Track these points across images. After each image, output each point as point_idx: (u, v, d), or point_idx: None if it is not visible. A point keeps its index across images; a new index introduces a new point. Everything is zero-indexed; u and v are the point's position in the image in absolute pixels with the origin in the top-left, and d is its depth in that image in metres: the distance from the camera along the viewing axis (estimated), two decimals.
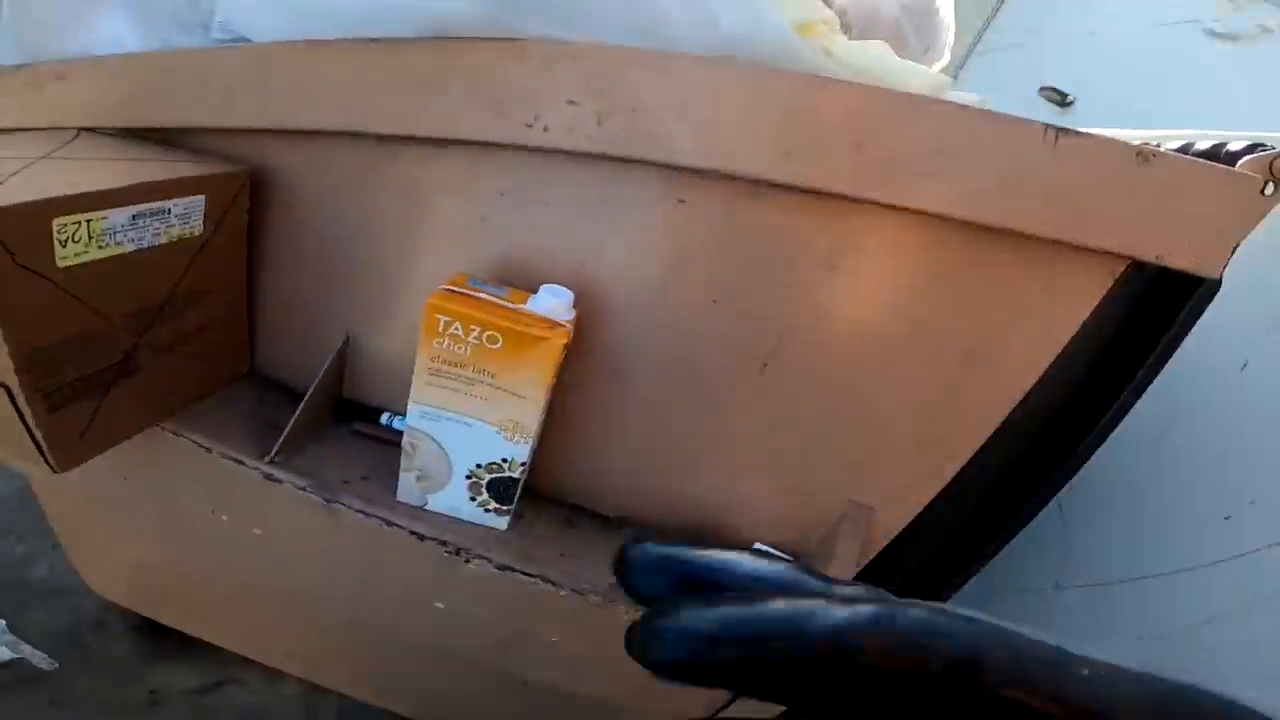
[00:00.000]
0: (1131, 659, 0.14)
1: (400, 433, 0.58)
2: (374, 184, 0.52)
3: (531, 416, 0.47)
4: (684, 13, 0.43)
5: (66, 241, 0.39)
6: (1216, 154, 0.45)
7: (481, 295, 0.45)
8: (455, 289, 0.45)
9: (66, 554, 1.05)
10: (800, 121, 0.42)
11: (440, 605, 0.58)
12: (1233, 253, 0.42)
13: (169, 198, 0.45)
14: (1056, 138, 0.41)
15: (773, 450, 0.54)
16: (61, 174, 0.42)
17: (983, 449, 0.52)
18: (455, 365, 0.45)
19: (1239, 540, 0.61)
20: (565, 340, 0.44)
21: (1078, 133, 0.41)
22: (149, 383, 0.50)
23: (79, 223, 0.39)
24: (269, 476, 0.54)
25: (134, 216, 0.43)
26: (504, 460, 0.50)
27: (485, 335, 0.44)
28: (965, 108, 0.42)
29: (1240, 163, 0.42)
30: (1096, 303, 0.46)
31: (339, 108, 0.48)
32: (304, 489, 0.54)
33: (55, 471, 0.45)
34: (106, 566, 1.02)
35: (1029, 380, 0.49)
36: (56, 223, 0.38)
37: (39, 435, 0.43)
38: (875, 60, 0.46)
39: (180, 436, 0.55)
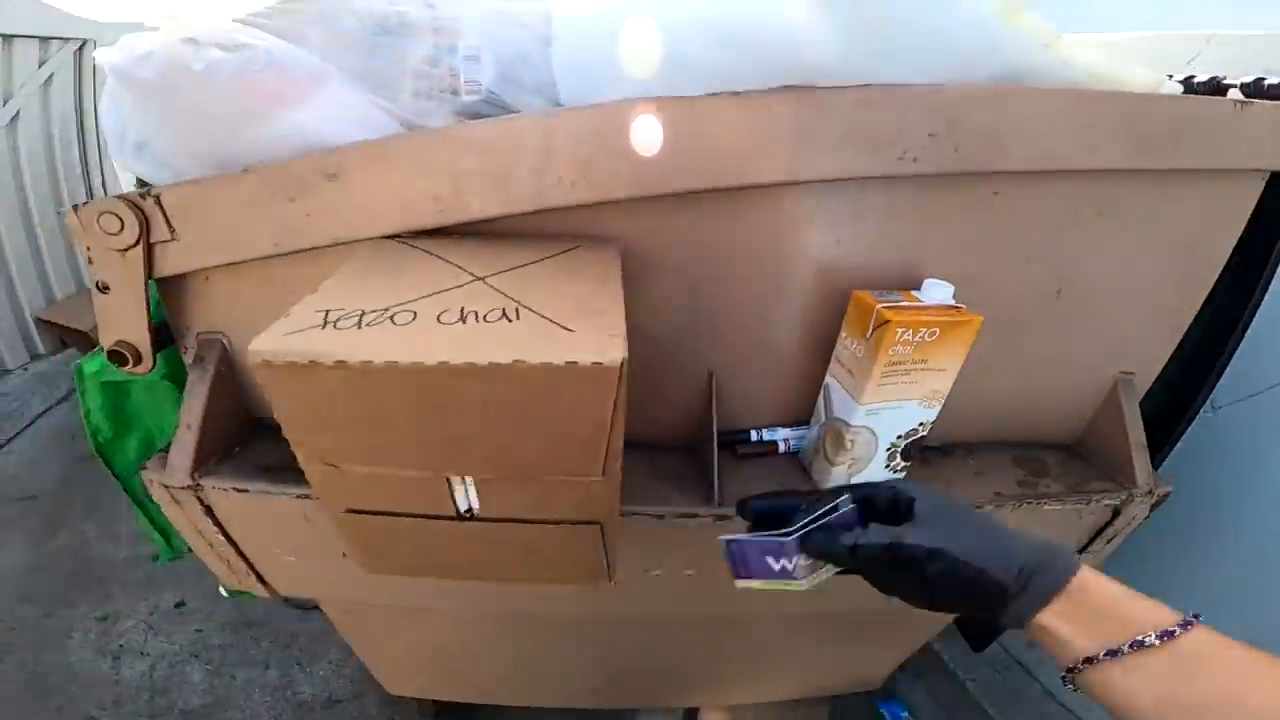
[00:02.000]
0: None
1: (772, 443, 0.72)
2: (720, 233, 0.61)
3: (947, 384, 0.62)
4: (983, 55, 0.57)
5: None
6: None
7: (903, 304, 0.58)
8: (883, 304, 0.58)
9: (361, 662, 1.14)
10: (1098, 120, 0.58)
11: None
12: None
13: None
14: (1241, 107, 0.60)
15: (1068, 348, 0.72)
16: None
17: (1196, 318, 0.72)
18: (902, 363, 0.59)
19: None
20: (980, 319, 0.59)
21: (1250, 102, 0.60)
22: None
23: None
24: (719, 518, 0.66)
25: None
26: (920, 424, 0.64)
27: (926, 333, 0.58)
28: (1188, 97, 0.60)
29: None
30: (1253, 206, 0.66)
31: (717, 168, 0.56)
32: None
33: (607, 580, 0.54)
34: (402, 665, 1.09)
35: (1220, 265, 0.69)
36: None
37: (609, 559, 0.53)
38: (1102, 64, 0.62)
39: (632, 515, 0.65)
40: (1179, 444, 0.80)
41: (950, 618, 0.98)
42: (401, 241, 0.57)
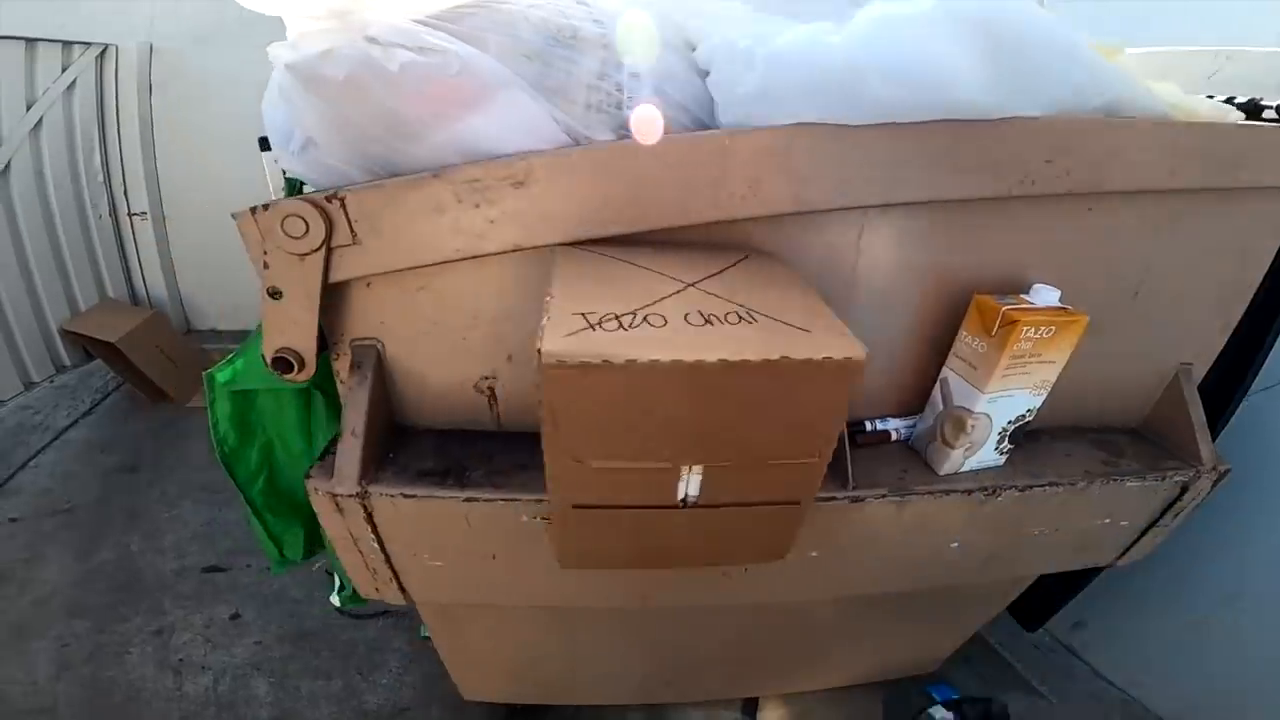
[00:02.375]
0: None
1: (885, 432, 0.79)
2: (848, 247, 0.69)
3: (1054, 375, 0.70)
4: (1091, 89, 0.65)
5: None
6: None
7: (1021, 306, 0.66)
8: (1006, 306, 0.66)
9: (423, 672, 1.18)
10: (1179, 147, 0.68)
11: (955, 544, 0.80)
12: None
13: None
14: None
15: (1140, 343, 0.81)
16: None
17: (1244, 316, 0.82)
18: (1020, 357, 0.67)
19: None
20: (1086, 318, 0.67)
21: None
22: None
23: None
24: (854, 499, 0.72)
25: None
26: (1027, 410, 0.72)
27: (1044, 330, 0.65)
28: (1251, 125, 0.70)
29: None
30: None
31: (871, 189, 0.64)
32: (883, 495, 0.73)
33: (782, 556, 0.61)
34: (485, 669, 1.13)
35: (1265, 267, 0.79)
36: None
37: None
38: (1178, 95, 0.72)
39: None
40: (1229, 425, 0.90)
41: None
42: (586, 249, 0.62)
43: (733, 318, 0.50)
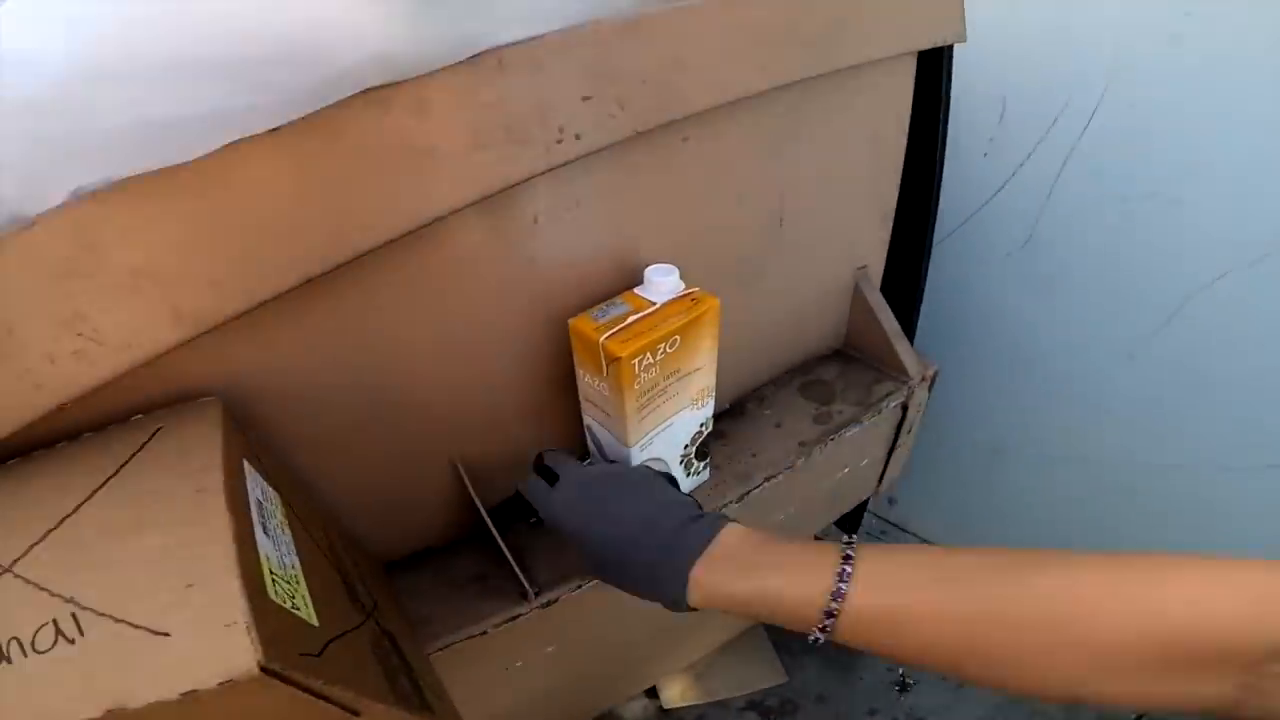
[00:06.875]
0: None
1: None
2: (384, 312, 0.46)
3: (711, 377, 0.54)
4: None
5: None
6: None
7: (630, 319, 0.48)
8: (607, 331, 0.47)
9: None
10: (764, 35, 0.50)
11: None
12: None
13: None
14: None
15: (808, 266, 0.68)
16: None
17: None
18: (650, 389, 0.49)
19: None
20: (716, 300, 0.50)
21: None
22: None
23: None
24: (547, 605, 0.54)
25: None
26: (700, 426, 0.56)
27: (666, 346, 0.48)
28: None
29: None
30: (912, 87, 0.64)
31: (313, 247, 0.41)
32: (578, 587, 0.55)
33: None
34: None
35: (902, 147, 0.68)
36: None
37: None
38: None
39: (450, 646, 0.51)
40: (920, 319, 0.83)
41: None
42: None
43: (46, 637, 0.27)
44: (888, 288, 0.76)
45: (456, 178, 0.41)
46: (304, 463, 0.47)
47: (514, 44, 0.40)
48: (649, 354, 0.46)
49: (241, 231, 0.36)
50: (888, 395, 0.70)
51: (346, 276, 0.40)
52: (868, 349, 0.75)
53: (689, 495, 0.46)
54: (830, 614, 0.34)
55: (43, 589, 0.30)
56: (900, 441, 0.76)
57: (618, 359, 0.45)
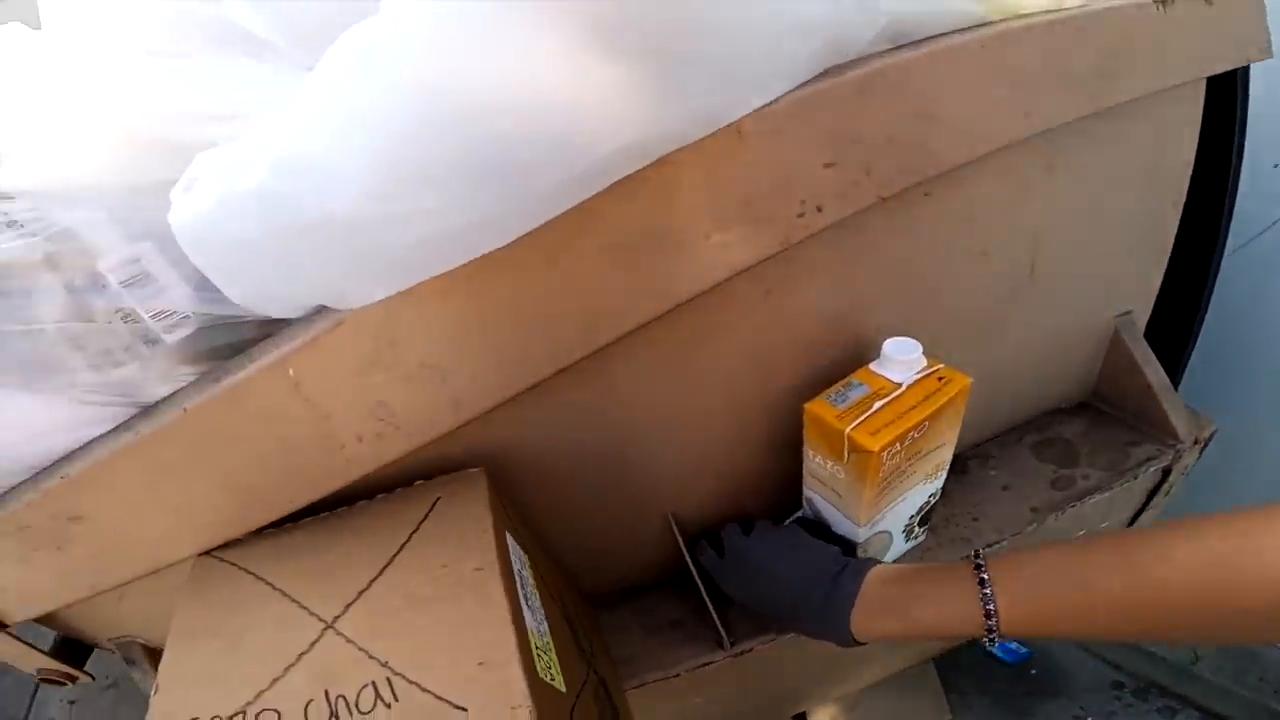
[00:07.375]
0: None
1: None
2: (613, 391, 0.46)
3: (950, 452, 0.50)
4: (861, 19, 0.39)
5: None
6: None
7: (875, 406, 0.44)
8: (853, 421, 0.44)
9: None
10: (1023, 74, 0.43)
11: None
12: None
13: None
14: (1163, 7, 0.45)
15: (1057, 315, 0.60)
16: None
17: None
18: (893, 473, 0.46)
19: None
20: (967, 380, 0.45)
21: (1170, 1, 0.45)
22: None
23: None
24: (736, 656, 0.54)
25: None
26: (930, 496, 0.52)
27: (915, 432, 0.44)
28: (1105, 10, 0.44)
29: None
30: (1200, 117, 0.53)
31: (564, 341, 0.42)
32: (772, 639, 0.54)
33: None
34: None
35: (1184, 183, 0.57)
36: None
37: None
38: None
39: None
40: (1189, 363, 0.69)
41: None
42: (217, 558, 0.42)
43: (368, 697, 0.32)
44: (1151, 331, 0.64)
45: (699, 263, 0.40)
46: (539, 517, 0.51)
47: (751, 111, 0.37)
48: (898, 443, 0.43)
49: (505, 328, 0.39)
50: (1148, 460, 0.60)
51: (591, 360, 0.41)
52: (1125, 404, 0.65)
53: (836, 542, 0.49)
54: (990, 630, 0.38)
55: (361, 649, 0.35)
56: (1153, 504, 0.66)
57: (868, 452, 0.42)
